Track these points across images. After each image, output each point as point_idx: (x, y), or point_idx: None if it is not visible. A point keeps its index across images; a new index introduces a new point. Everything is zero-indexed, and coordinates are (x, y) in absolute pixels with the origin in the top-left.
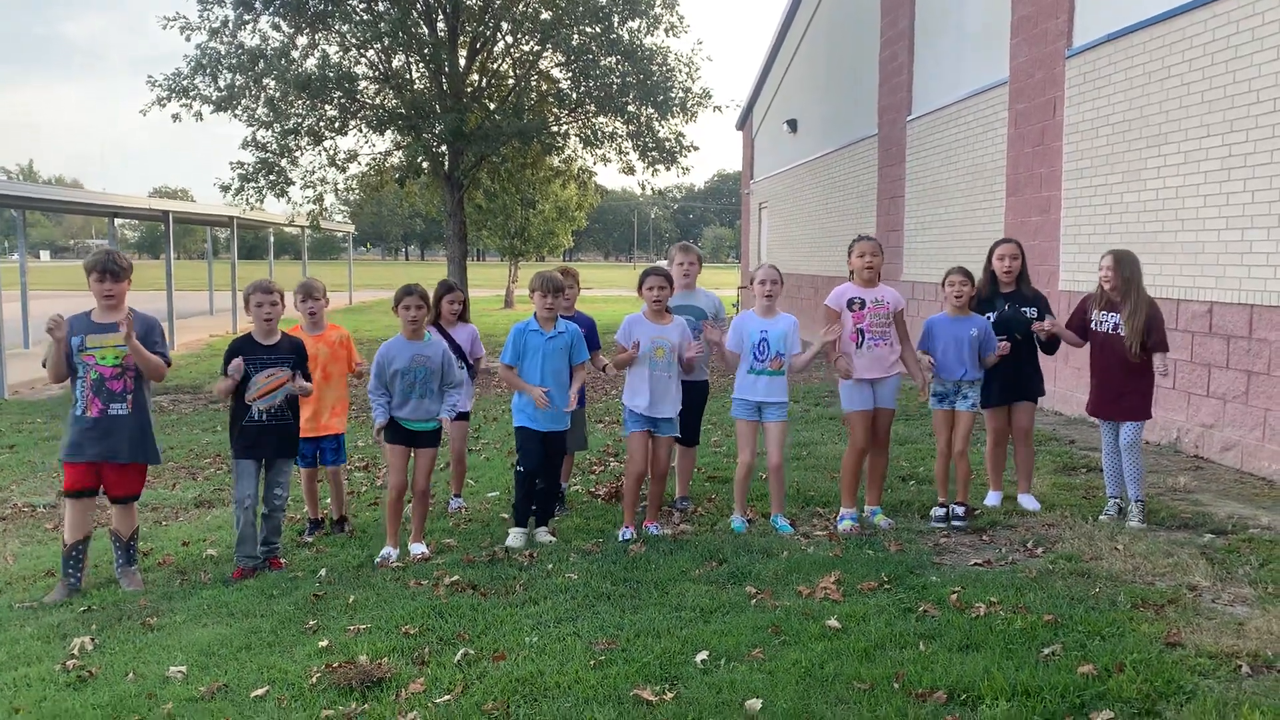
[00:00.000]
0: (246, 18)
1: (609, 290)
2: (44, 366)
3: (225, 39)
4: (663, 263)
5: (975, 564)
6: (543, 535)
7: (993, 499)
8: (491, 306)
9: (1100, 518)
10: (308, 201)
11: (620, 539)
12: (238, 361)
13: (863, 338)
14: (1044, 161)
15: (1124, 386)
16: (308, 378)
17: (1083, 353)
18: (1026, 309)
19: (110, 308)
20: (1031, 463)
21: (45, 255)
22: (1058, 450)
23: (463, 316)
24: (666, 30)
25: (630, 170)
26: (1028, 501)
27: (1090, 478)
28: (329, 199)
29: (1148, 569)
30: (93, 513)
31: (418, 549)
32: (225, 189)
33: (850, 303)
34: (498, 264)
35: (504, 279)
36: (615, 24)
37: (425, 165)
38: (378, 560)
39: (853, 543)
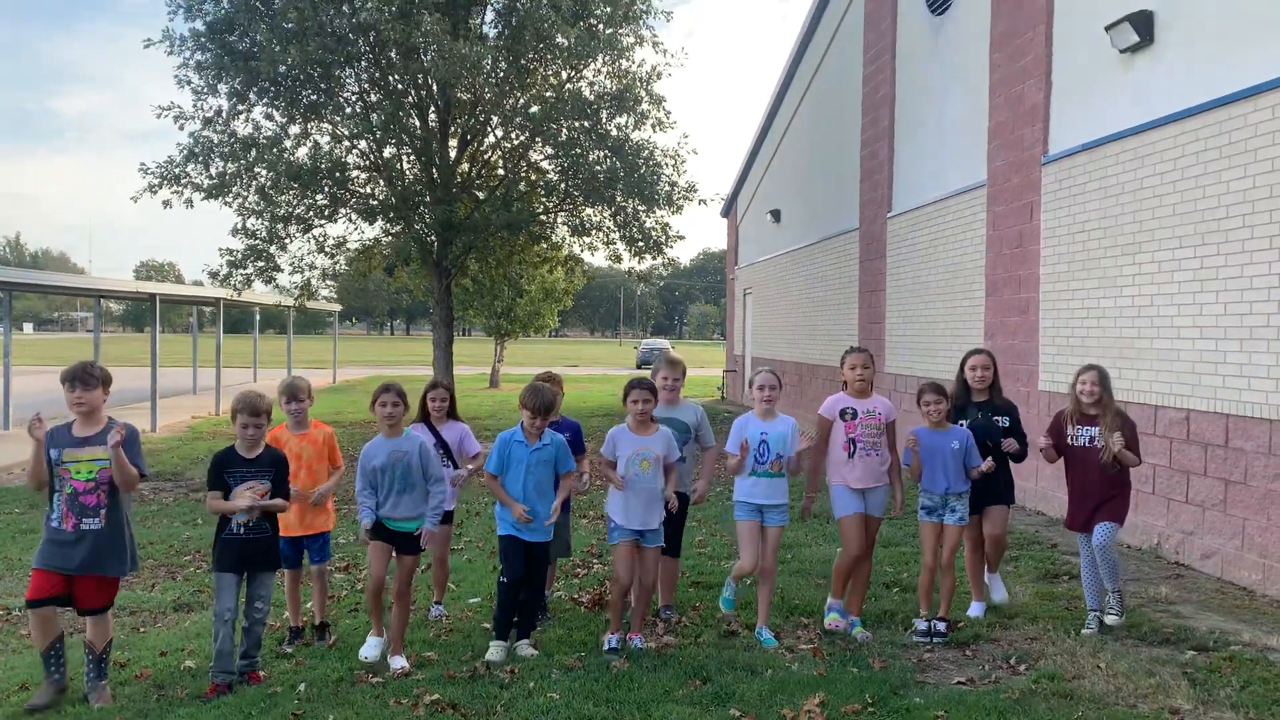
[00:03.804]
0: (240, 108)
1: (594, 369)
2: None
3: (219, 128)
4: (655, 343)
5: (959, 682)
6: (524, 649)
7: (975, 610)
8: (477, 385)
9: (1083, 631)
10: (295, 286)
11: (605, 647)
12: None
13: (855, 447)
14: (1022, 264)
15: (1101, 497)
16: (287, 495)
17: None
18: (998, 418)
19: (85, 415)
20: (1002, 551)
21: (29, 328)
22: (1040, 555)
23: (452, 414)
24: (653, 125)
25: (617, 259)
26: (995, 587)
27: (1072, 585)
28: (316, 282)
29: (1130, 690)
30: (55, 619)
31: (398, 663)
32: (214, 275)
33: (843, 412)
34: (484, 339)
35: (489, 356)
36: (603, 119)
37: (414, 253)
38: (361, 655)
39: (836, 659)
